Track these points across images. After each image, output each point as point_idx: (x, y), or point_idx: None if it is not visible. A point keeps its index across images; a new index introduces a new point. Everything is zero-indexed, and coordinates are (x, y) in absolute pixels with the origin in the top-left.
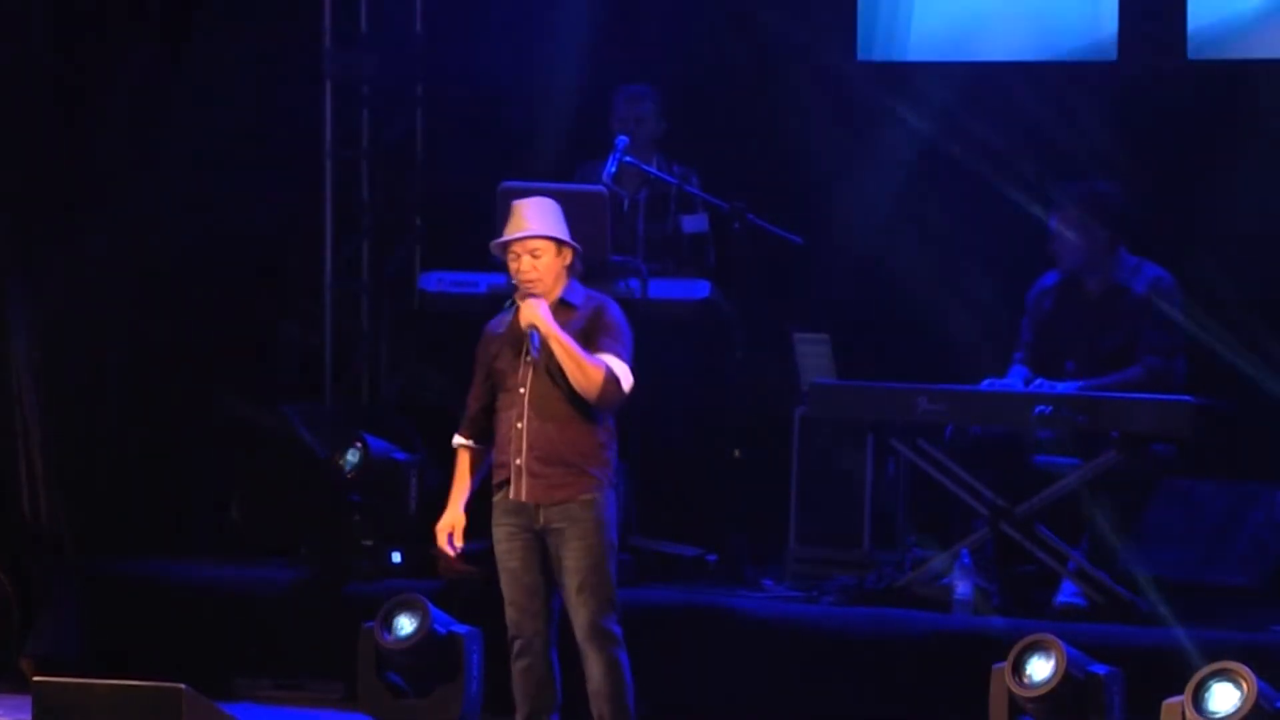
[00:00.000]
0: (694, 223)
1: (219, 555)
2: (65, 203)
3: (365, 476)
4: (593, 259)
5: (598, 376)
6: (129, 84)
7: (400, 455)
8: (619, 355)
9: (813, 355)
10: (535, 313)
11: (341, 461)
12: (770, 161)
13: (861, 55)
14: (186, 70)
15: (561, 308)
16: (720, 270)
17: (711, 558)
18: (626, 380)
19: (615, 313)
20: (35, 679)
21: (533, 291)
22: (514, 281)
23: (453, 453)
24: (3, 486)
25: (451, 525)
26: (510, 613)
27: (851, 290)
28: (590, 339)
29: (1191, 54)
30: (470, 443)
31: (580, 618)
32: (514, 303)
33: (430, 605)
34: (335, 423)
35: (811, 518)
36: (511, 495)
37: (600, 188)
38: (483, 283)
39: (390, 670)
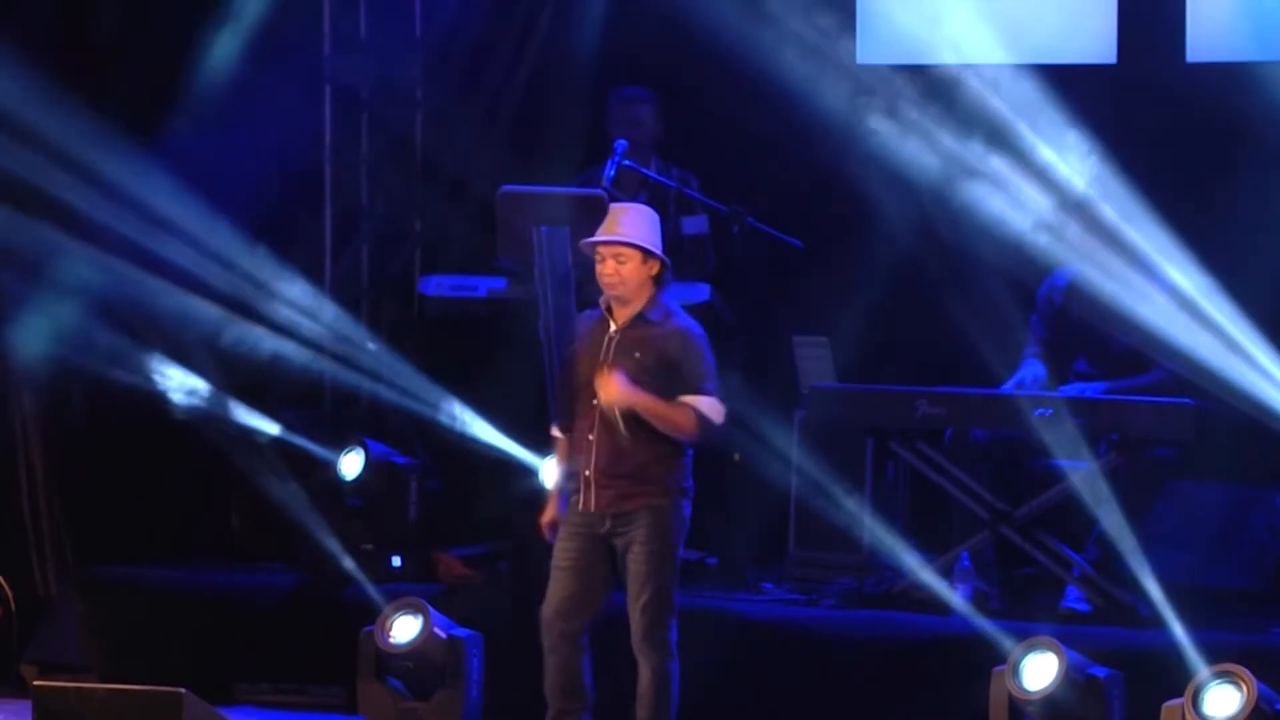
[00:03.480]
0: (694, 224)
1: (219, 561)
2: (62, 205)
3: (366, 481)
4: (590, 262)
5: (689, 426)
6: (124, 89)
7: (400, 460)
8: (706, 390)
9: (812, 358)
10: (613, 394)
11: (342, 465)
12: (770, 164)
13: (862, 58)
14: (184, 76)
15: (639, 324)
16: (720, 273)
17: (712, 561)
18: (718, 414)
19: (696, 342)
20: (35, 684)
21: (615, 293)
22: (600, 284)
23: (455, 458)
24: (3, 492)
25: (551, 519)
26: (544, 609)
27: (851, 293)
28: (672, 372)
29: (1191, 57)
30: (565, 435)
31: (635, 624)
32: (609, 307)
33: (431, 609)
34: (335, 427)
35: (811, 521)
36: (581, 506)
37: (600, 191)
38: (482, 286)
39: (390, 675)
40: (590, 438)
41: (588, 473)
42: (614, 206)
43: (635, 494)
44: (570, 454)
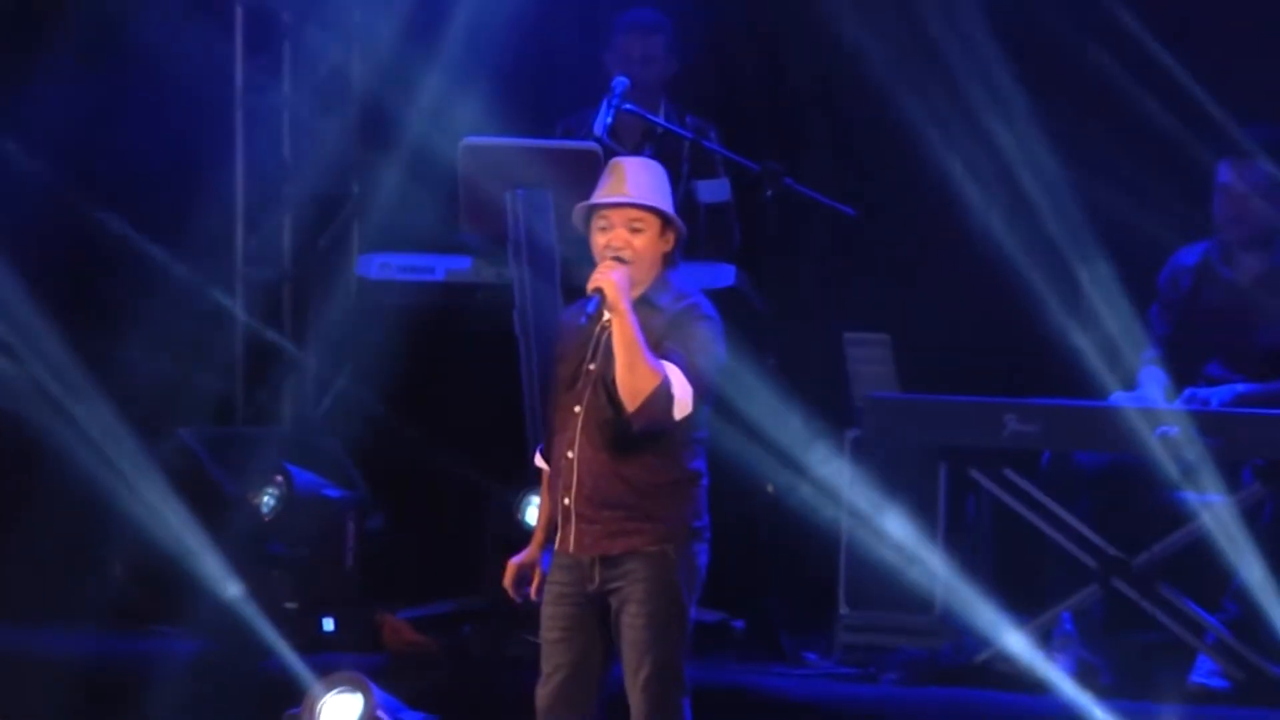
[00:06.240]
0: (713, 190)
1: (97, 622)
2: None
3: (288, 520)
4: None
5: (647, 384)
6: None
7: (333, 493)
8: (685, 367)
9: (869, 361)
10: (608, 276)
11: (257, 501)
12: (814, 111)
13: None
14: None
15: (642, 307)
16: (748, 251)
17: (738, 624)
18: (682, 402)
19: (704, 316)
20: None
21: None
22: (598, 258)
23: (406, 490)
24: None
25: (522, 566)
26: (540, 694)
27: (919, 277)
28: (664, 341)
29: None
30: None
31: (635, 707)
32: (598, 291)
33: (374, 687)
34: (249, 451)
35: (867, 572)
36: (559, 545)
37: (592, 144)
38: (440, 267)
39: None
40: (570, 455)
41: (567, 501)
42: (618, 160)
43: (628, 532)
44: (551, 483)
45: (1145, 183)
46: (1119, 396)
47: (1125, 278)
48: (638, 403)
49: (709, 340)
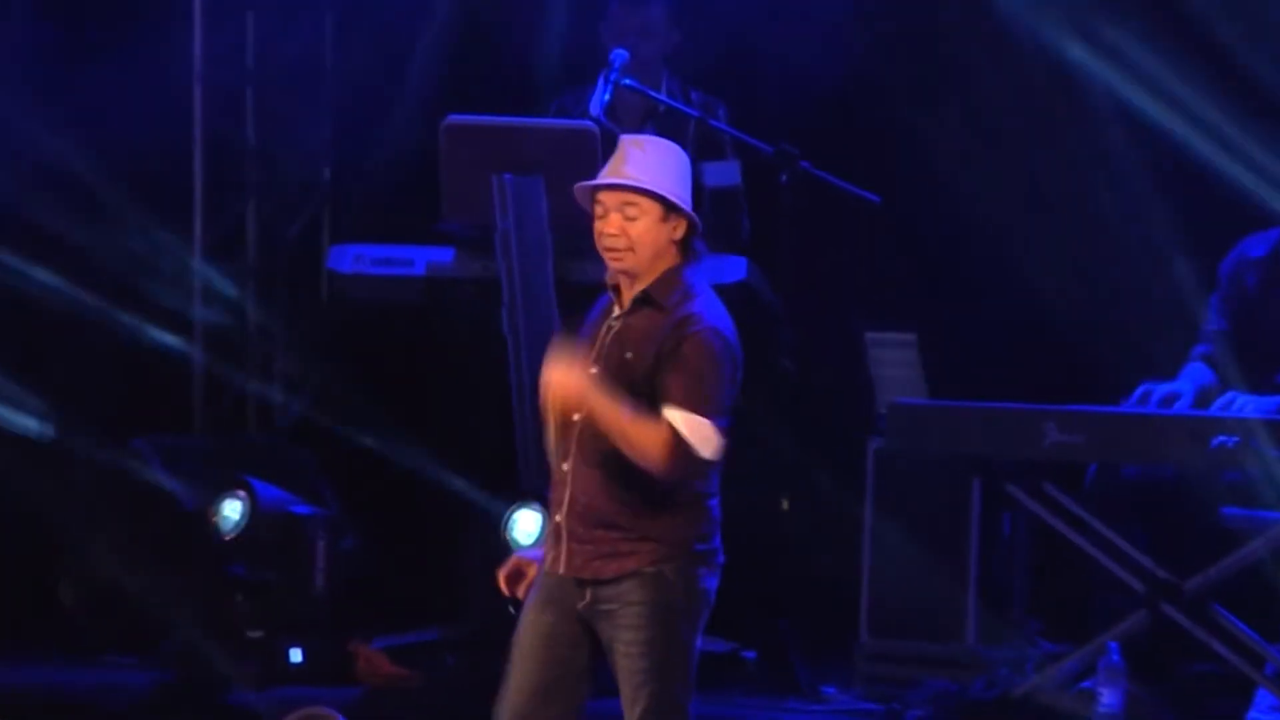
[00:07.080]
0: (721, 173)
1: (42, 652)
2: None
3: (251, 539)
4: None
5: (657, 451)
6: None
7: (301, 509)
8: (695, 406)
9: (894, 364)
10: (565, 386)
11: (217, 518)
12: (835, 91)
13: None
14: None
15: (642, 308)
16: (760, 242)
17: (750, 654)
18: (707, 443)
19: (701, 330)
20: None
21: (621, 266)
22: (599, 249)
23: (382, 506)
24: None
25: (520, 565)
26: (499, 710)
27: (948, 272)
28: (657, 373)
29: None
30: None
31: None
32: (615, 286)
33: None
34: (209, 462)
35: (891, 597)
36: (549, 566)
37: (588, 123)
38: (419, 260)
39: None
40: (565, 467)
41: (559, 518)
42: (626, 138)
43: (622, 554)
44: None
45: (1192, 167)
46: (1145, 386)
47: (1175, 275)
48: (657, 467)
49: (711, 361)
